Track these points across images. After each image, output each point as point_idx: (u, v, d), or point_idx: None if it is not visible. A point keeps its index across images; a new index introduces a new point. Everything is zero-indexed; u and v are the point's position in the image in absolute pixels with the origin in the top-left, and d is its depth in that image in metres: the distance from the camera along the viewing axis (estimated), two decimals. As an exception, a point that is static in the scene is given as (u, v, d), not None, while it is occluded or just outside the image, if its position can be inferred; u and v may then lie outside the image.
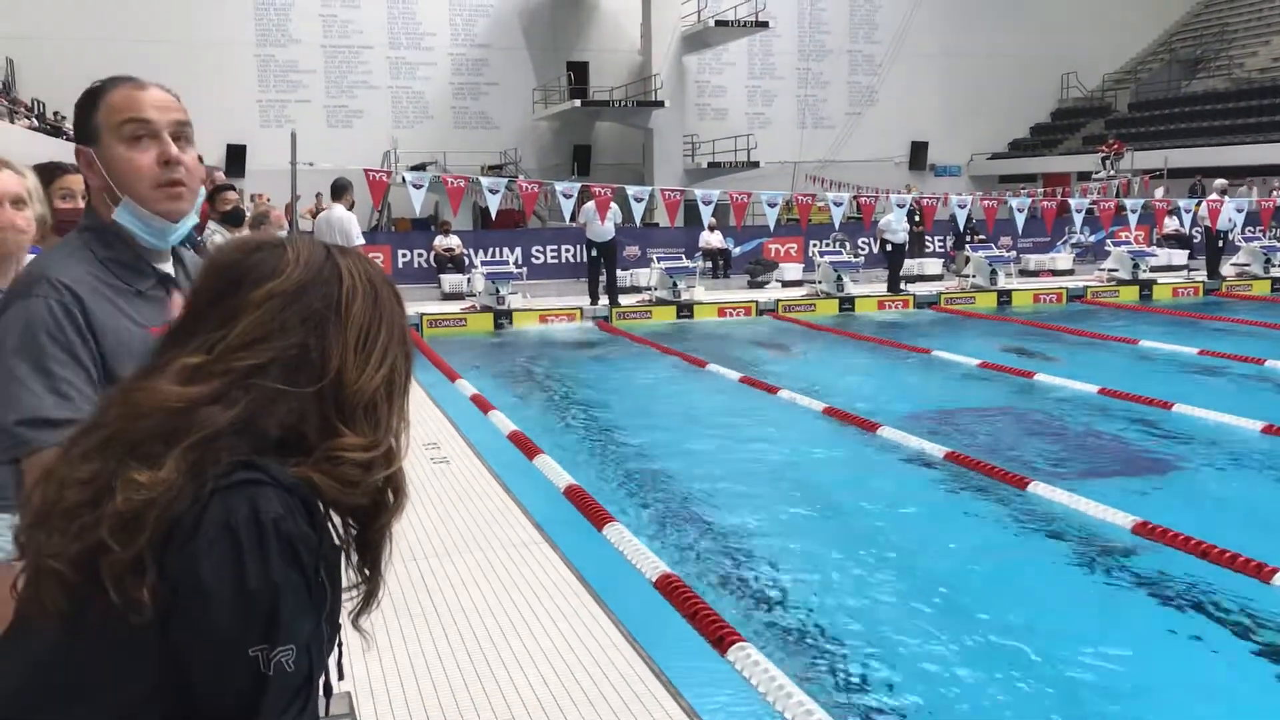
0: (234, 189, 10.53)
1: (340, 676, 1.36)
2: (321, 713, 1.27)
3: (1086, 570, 5.64)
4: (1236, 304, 17.73)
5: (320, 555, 1.20)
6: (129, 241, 1.97)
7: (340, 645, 1.31)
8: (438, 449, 7.30)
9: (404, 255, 19.88)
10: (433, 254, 19.57)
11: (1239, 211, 19.57)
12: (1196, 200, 20.42)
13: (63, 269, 1.89)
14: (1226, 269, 19.99)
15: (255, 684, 1.13)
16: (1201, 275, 19.66)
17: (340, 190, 11.29)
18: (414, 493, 6.13)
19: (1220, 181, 20.85)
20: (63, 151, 17.89)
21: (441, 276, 18.76)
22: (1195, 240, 20.97)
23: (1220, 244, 19.61)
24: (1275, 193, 23.58)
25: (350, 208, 11.32)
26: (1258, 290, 18.91)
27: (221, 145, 27.09)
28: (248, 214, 9.77)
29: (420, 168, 23.06)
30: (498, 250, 19.24)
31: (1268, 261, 19.65)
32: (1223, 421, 8.51)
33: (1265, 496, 7.02)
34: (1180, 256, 21.33)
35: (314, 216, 18.21)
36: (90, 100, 1.95)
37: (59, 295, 1.84)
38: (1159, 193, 23.38)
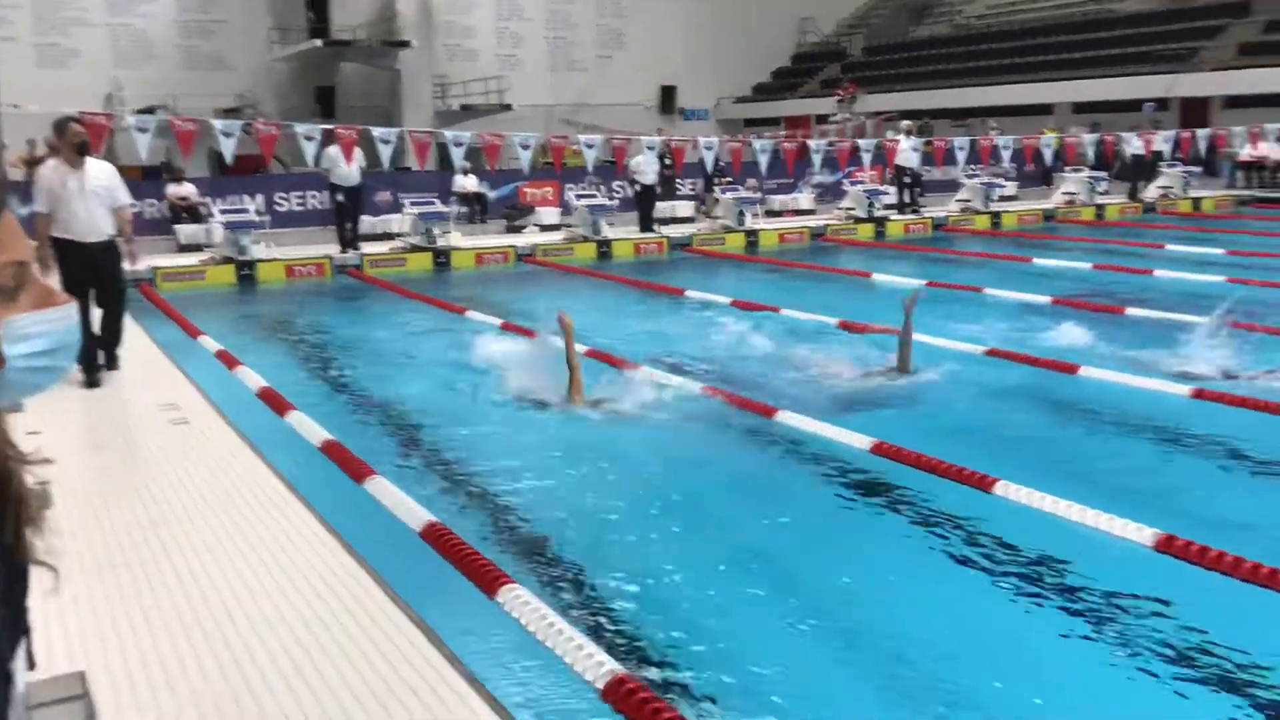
0: None
1: (31, 666, 1.24)
2: (15, 696, 1.14)
3: (832, 488, 5.95)
4: (961, 237, 19.06)
5: None
6: None
7: (28, 631, 1.19)
8: (176, 409, 6.88)
9: (134, 206, 18.52)
10: (166, 203, 18.34)
11: (915, 151, 21.01)
12: (920, 140, 21.72)
13: None
14: (951, 205, 21.44)
15: None
16: (930, 212, 20.99)
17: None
18: (150, 456, 5.70)
19: (906, 123, 22.30)
20: None
21: (177, 227, 17.63)
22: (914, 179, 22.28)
23: (906, 180, 20.98)
24: (993, 132, 25.36)
25: (59, 152, 10.19)
26: (979, 224, 20.37)
27: (-89, 87, 24.36)
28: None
29: (149, 111, 21.49)
30: (238, 198, 18.21)
31: (987, 197, 21.19)
32: (951, 347, 9.15)
33: (986, 414, 7.61)
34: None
35: (26, 165, 16.69)
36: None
37: None
38: (890, 134, 24.69)
